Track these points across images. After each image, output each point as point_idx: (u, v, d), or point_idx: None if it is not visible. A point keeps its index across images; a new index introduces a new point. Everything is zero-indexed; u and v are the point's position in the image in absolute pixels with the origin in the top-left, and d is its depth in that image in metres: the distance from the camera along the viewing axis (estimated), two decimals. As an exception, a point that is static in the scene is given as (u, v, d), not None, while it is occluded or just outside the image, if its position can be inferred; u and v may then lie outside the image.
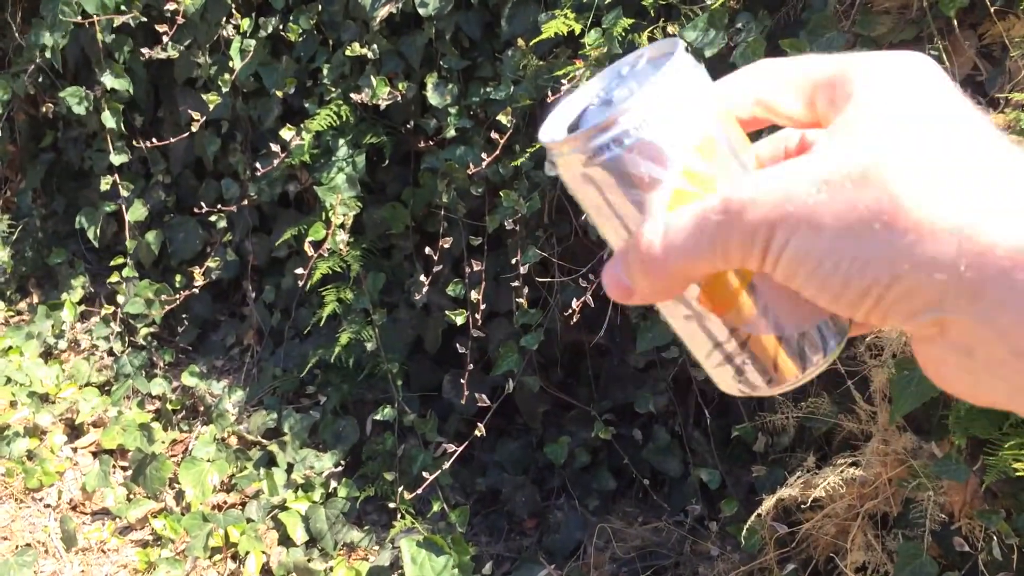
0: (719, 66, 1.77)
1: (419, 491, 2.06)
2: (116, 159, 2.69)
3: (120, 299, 2.75)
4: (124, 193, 2.72)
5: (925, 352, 0.32)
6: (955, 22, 1.55)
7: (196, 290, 2.51)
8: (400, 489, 2.15)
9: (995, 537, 1.45)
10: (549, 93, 1.84)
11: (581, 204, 0.37)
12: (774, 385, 0.38)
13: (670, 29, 1.74)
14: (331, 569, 2.07)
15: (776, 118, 0.37)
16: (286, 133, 2.21)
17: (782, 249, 0.30)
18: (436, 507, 2.14)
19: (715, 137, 0.35)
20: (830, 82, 0.33)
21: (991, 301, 0.28)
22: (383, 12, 2.11)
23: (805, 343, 0.37)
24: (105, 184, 2.69)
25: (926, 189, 0.29)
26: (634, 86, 0.35)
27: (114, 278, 2.74)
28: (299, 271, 2.18)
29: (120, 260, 2.74)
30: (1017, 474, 1.35)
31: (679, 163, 0.34)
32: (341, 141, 2.24)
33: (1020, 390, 0.30)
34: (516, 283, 1.99)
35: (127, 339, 2.79)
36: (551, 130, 0.37)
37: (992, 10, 1.51)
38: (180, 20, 2.40)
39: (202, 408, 2.56)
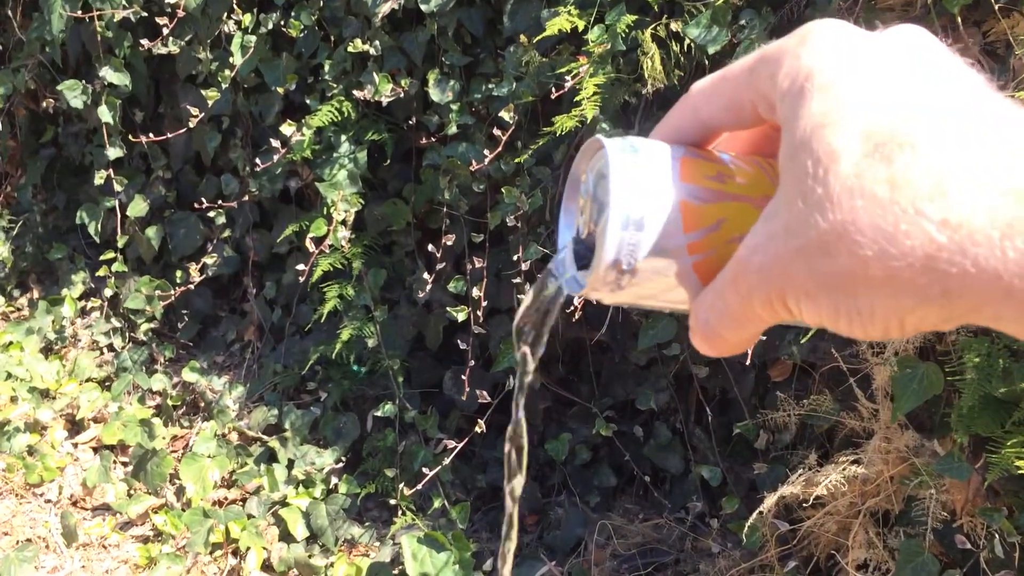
0: (723, 63, 1.77)
1: (420, 487, 2.06)
2: (112, 154, 2.68)
3: (108, 293, 2.75)
4: (118, 188, 2.71)
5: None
6: (959, 19, 1.55)
7: (192, 286, 2.50)
8: (401, 485, 2.15)
9: (997, 535, 1.45)
10: (552, 89, 1.83)
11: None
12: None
13: (673, 26, 1.74)
14: (332, 565, 2.07)
15: (724, 131, 0.38)
16: (287, 129, 2.21)
17: (799, 312, 0.31)
18: (437, 503, 2.14)
19: (691, 202, 0.35)
20: (749, 79, 0.34)
21: (989, 315, 0.28)
22: (385, 8, 2.11)
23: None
24: (99, 178, 2.68)
25: (882, 237, 0.28)
26: (598, 206, 0.36)
27: (103, 272, 2.73)
28: (300, 267, 2.18)
29: (111, 255, 2.74)
30: (1019, 472, 1.35)
31: (682, 248, 0.35)
32: (343, 137, 2.24)
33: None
34: (517, 280, 1.99)
35: (128, 335, 2.79)
36: (564, 275, 0.39)
37: (996, 7, 1.51)
38: (181, 14, 2.39)
39: (203, 404, 2.56)
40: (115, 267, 2.73)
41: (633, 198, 0.35)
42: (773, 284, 0.31)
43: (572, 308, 1.86)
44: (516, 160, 1.97)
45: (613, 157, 0.35)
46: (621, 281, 0.35)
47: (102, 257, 2.76)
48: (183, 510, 2.23)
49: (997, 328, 0.29)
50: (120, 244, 2.74)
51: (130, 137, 2.65)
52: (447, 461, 2.06)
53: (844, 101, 0.30)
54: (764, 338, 1.69)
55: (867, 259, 0.28)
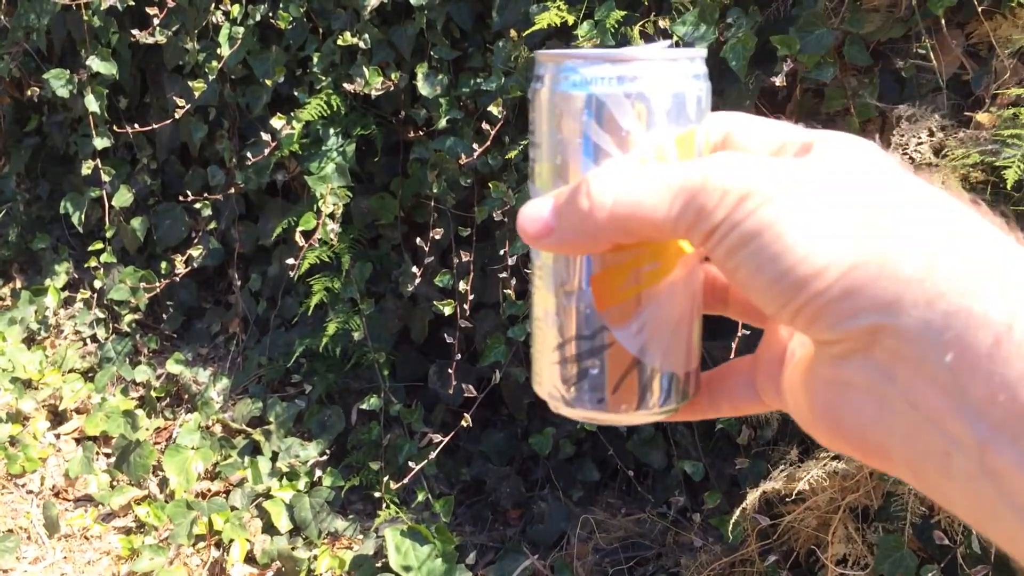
0: (710, 61, 1.78)
1: (404, 481, 2.06)
2: (99, 143, 2.67)
3: (97, 284, 2.73)
4: (106, 178, 2.70)
5: (830, 375, 0.30)
6: (943, 21, 1.56)
7: (179, 278, 2.50)
8: (385, 479, 2.16)
9: (974, 531, 1.47)
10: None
11: (534, 132, 0.36)
12: (600, 408, 0.36)
13: (661, 23, 1.74)
14: (315, 557, 2.07)
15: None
16: (276, 122, 2.21)
17: (746, 217, 0.29)
18: (421, 497, 2.15)
19: (695, 135, 0.34)
20: (797, 143, 0.34)
21: (942, 314, 0.26)
22: (374, 1, 2.10)
23: (653, 383, 0.36)
24: (86, 168, 2.67)
25: (914, 181, 0.29)
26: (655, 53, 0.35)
27: (92, 263, 2.72)
28: (290, 261, 2.17)
29: (99, 245, 2.72)
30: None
31: (658, 139, 0.33)
32: (331, 131, 2.24)
33: (913, 436, 0.27)
34: (504, 274, 1.99)
35: (111, 326, 2.78)
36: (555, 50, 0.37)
37: (980, 10, 1.52)
38: (171, 4, 2.38)
39: (187, 396, 2.55)
40: (104, 257, 2.71)
41: (688, 78, 0.35)
42: (753, 178, 0.29)
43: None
44: (508, 156, 1.98)
45: (704, 61, 0.36)
46: (601, 85, 0.34)
47: (89, 248, 2.75)
48: (166, 502, 2.23)
49: None
50: (108, 234, 2.72)
51: (115, 127, 2.63)
52: (432, 455, 2.07)
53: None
54: (747, 334, 1.71)
55: (895, 179, 0.29)
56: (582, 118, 0.33)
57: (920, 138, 1.51)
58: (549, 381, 0.37)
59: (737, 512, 1.67)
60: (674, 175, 0.30)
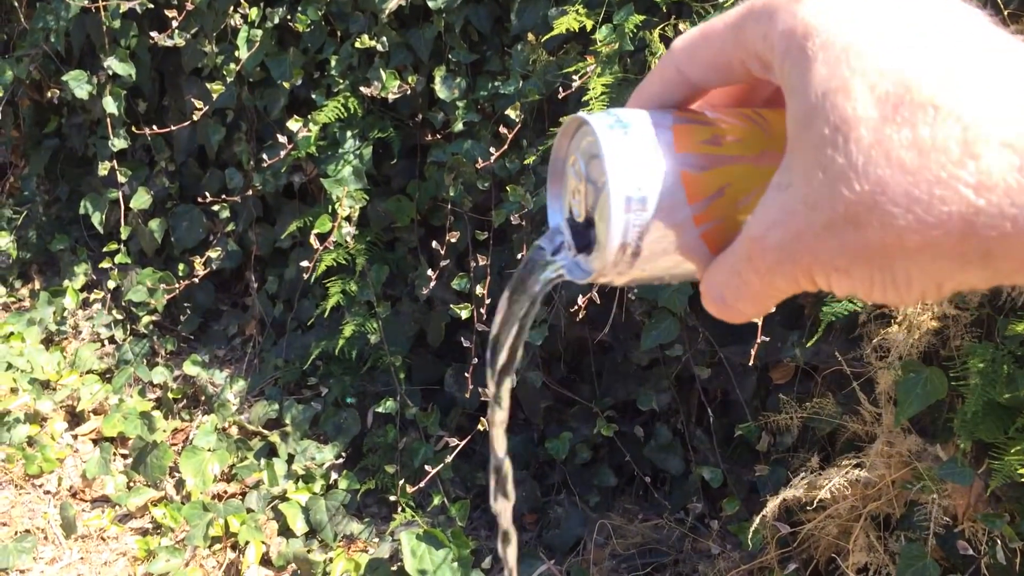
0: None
1: (420, 485, 2.06)
2: (117, 145, 2.68)
3: (111, 284, 2.74)
4: (122, 179, 2.71)
5: None
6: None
7: (196, 280, 2.50)
8: (401, 482, 2.15)
9: (999, 541, 1.45)
10: (559, 89, 1.83)
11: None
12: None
13: (681, 26, 1.73)
14: (330, 560, 2.07)
15: (708, 89, 0.37)
16: (293, 124, 2.21)
17: (828, 284, 0.31)
18: (436, 500, 2.14)
19: (691, 171, 0.34)
20: (736, 37, 0.33)
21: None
22: (392, 4, 2.10)
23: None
24: (103, 170, 2.68)
25: (917, 205, 0.27)
26: (594, 188, 0.35)
27: (106, 264, 2.73)
28: (304, 263, 2.17)
29: (114, 246, 2.73)
30: (1022, 478, 1.35)
31: (688, 220, 0.34)
32: (348, 133, 2.24)
33: None
34: (521, 278, 1.98)
35: (129, 327, 2.79)
36: (569, 264, 0.38)
37: (1007, 12, 1.50)
38: (190, 7, 2.39)
39: (203, 397, 2.56)
40: (118, 259, 2.72)
41: (632, 176, 0.33)
42: (798, 261, 0.30)
43: (576, 307, 1.86)
44: (527, 161, 1.97)
45: (603, 135, 0.34)
46: (630, 262, 0.35)
47: (105, 248, 2.76)
48: (182, 503, 2.23)
49: None
50: (124, 236, 2.73)
51: (134, 129, 2.64)
52: (448, 459, 2.06)
53: (851, 61, 0.28)
54: (767, 340, 1.69)
55: (901, 228, 0.27)
56: (656, 274, 0.36)
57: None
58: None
59: (757, 520, 1.65)
60: (750, 281, 0.33)
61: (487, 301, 2.05)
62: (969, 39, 0.29)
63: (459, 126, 2.08)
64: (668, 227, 0.34)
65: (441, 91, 2.09)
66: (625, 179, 0.33)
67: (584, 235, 0.37)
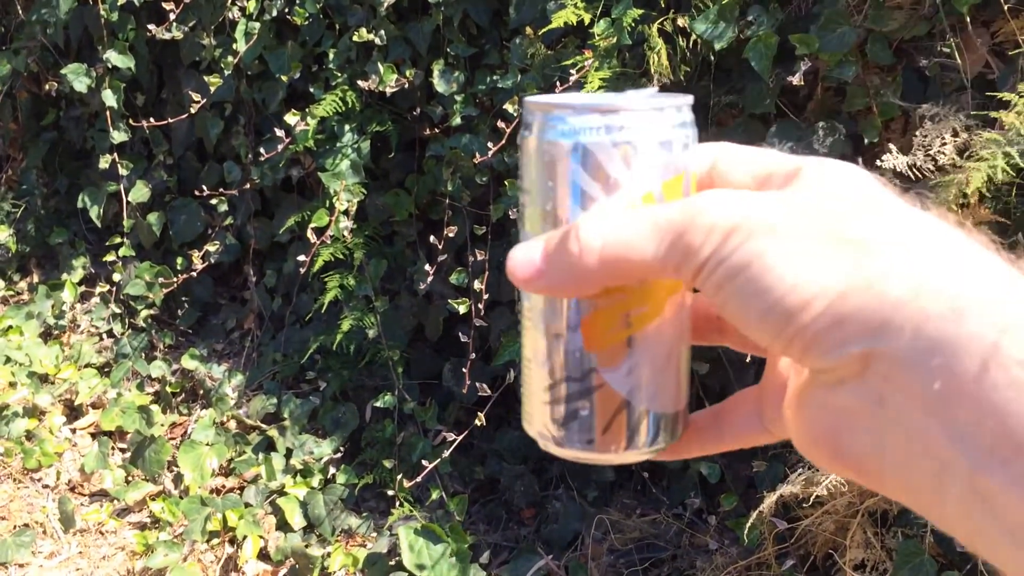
0: (730, 60, 1.76)
1: (418, 479, 2.05)
2: (116, 137, 2.68)
3: (116, 277, 2.74)
4: (123, 172, 2.71)
5: (825, 402, 0.30)
6: (968, 19, 1.53)
7: (195, 273, 2.50)
8: (399, 477, 2.15)
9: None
10: (557, 83, 1.82)
11: (523, 179, 0.36)
12: (589, 448, 0.36)
13: (680, 21, 1.72)
14: (329, 555, 2.07)
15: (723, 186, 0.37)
16: (291, 118, 2.20)
17: (733, 251, 0.29)
18: (435, 495, 2.14)
19: (683, 181, 0.35)
20: (782, 172, 0.34)
21: (929, 339, 0.26)
22: (390, -3, 2.09)
23: (642, 423, 0.36)
24: (103, 163, 2.67)
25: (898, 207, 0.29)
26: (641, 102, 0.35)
27: (110, 257, 2.73)
28: (301, 258, 2.17)
29: (116, 240, 2.73)
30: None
31: (646, 185, 0.34)
32: (346, 127, 2.23)
33: (906, 460, 0.27)
34: (519, 273, 1.98)
35: (127, 321, 2.78)
36: (542, 97, 0.37)
37: (1006, 8, 1.49)
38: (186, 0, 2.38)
39: (201, 391, 2.55)
40: (122, 252, 2.72)
41: (674, 124, 0.35)
42: (737, 214, 0.29)
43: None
44: (520, 153, 1.96)
45: (689, 105, 0.36)
46: (588, 135, 0.34)
47: (108, 242, 2.76)
48: (181, 497, 2.23)
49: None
50: (126, 228, 2.73)
51: (131, 121, 2.64)
52: (446, 453, 2.06)
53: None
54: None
55: (877, 201, 0.29)
56: (570, 166, 0.34)
57: (944, 138, 1.49)
58: (539, 420, 0.37)
59: (754, 515, 1.65)
60: (660, 215, 0.31)
61: (485, 296, 2.05)
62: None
63: (457, 120, 2.07)
64: (644, 162, 0.34)
65: (439, 85, 2.08)
66: (679, 118, 0.35)
67: None
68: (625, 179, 0.34)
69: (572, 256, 0.32)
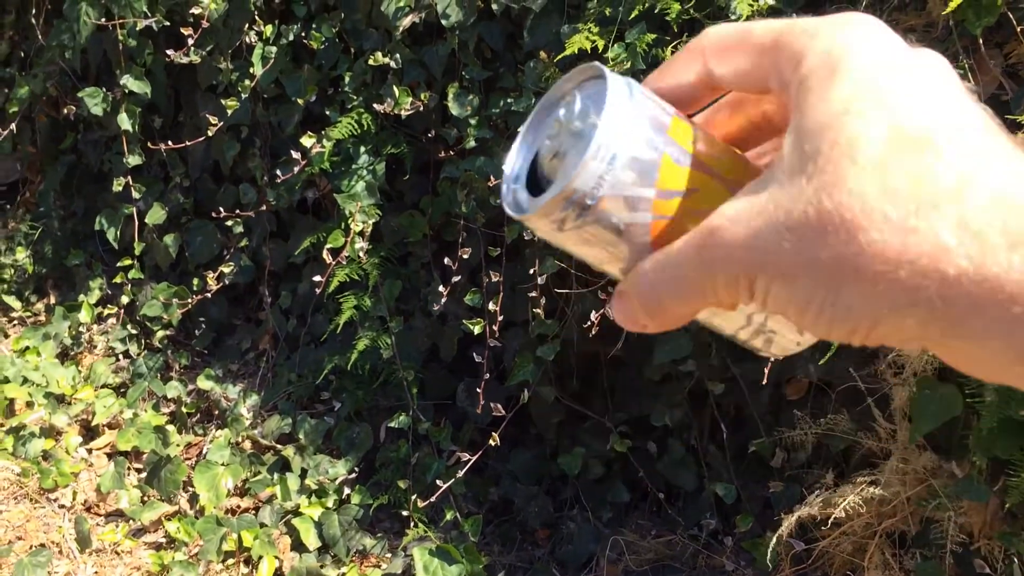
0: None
1: (432, 499, 2.06)
2: (131, 161, 2.71)
3: (124, 300, 2.77)
4: (136, 195, 2.74)
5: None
6: (981, 41, 1.55)
7: (210, 294, 2.52)
8: (413, 497, 2.15)
9: (1015, 559, 1.44)
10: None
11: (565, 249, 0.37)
12: (801, 344, 0.39)
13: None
14: (343, 575, 2.07)
15: (726, 89, 0.37)
16: (307, 140, 2.22)
17: (766, 294, 0.30)
18: (449, 516, 2.14)
19: (673, 159, 0.34)
20: (774, 46, 0.33)
21: (970, 329, 0.27)
22: (406, 21, 2.12)
23: None
24: (118, 185, 2.70)
25: (888, 227, 0.27)
26: (574, 132, 0.35)
27: (119, 279, 2.75)
28: (317, 278, 2.19)
29: (128, 261, 2.76)
30: (1039, 496, 1.34)
31: (648, 202, 0.34)
32: (362, 149, 2.25)
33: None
34: (533, 293, 1.99)
35: (143, 341, 2.80)
36: (510, 195, 0.37)
37: (1019, 29, 1.51)
38: (205, 24, 2.41)
39: (217, 412, 2.57)
40: (132, 274, 2.74)
41: (619, 133, 0.33)
42: (749, 260, 0.30)
43: (589, 323, 1.86)
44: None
45: (613, 85, 0.34)
46: (571, 217, 0.34)
47: (119, 264, 2.78)
48: (196, 518, 2.24)
49: (956, 351, 0.29)
50: (137, 251, 2.76)
51: (149, 145, 2.67)
52: (460, 474, 2.06)
53: (878, 94, 0.29)
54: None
55: (864, 248, 0.27)
56: (585, 245, 0.36)
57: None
58: (759, 349, 0.41)
59: (773, 538, 1.65)
60: (687, 271, 0.32)
61: (499, 317, 2.05)
62: (984, 120, 0.30)
63: (472, 142, 2.09)
64: (626, 197, 0.33)
65: (454, 107, 2.11)
66: (612, 131, 0.33)
67: (539, 177, 0.36)
68: (630, 217, 0.34)
69: (653, 314, 0.34)
